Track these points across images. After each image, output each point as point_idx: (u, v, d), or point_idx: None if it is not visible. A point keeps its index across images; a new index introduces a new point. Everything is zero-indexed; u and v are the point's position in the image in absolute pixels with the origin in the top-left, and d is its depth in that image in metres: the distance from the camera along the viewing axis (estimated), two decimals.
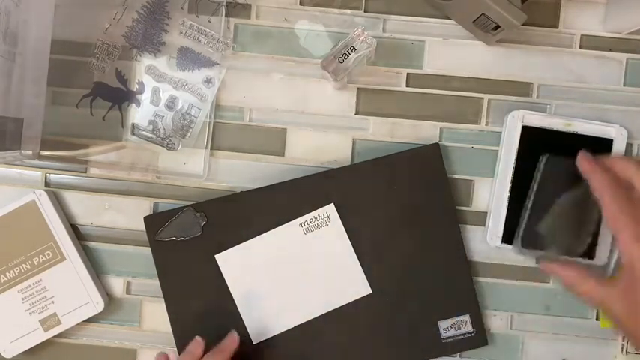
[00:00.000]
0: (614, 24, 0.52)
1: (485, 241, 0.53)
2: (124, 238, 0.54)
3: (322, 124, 0.54)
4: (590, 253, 0.51)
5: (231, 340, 0.50)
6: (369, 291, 0.52)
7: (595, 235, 0.51)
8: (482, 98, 0.54)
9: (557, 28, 0.53)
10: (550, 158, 0.50)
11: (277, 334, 0.52)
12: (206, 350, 0.49)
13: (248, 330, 0.52)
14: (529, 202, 0.50)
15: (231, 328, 0.51)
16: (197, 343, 0.49)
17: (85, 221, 0.54)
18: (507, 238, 0.52)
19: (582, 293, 0.46)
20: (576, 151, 0.49)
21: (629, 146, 0.53)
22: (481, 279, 0.53)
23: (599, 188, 0.45)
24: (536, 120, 0.52)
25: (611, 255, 0.52)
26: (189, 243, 0.52)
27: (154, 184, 0.54)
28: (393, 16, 0.54)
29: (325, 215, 0.52)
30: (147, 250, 0.53)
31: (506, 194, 0.52)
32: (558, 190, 0.50)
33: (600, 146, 0.52)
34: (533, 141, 0.52)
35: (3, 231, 0.52)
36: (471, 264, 0.53)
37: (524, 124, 0.52)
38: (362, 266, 0.52)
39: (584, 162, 0.47)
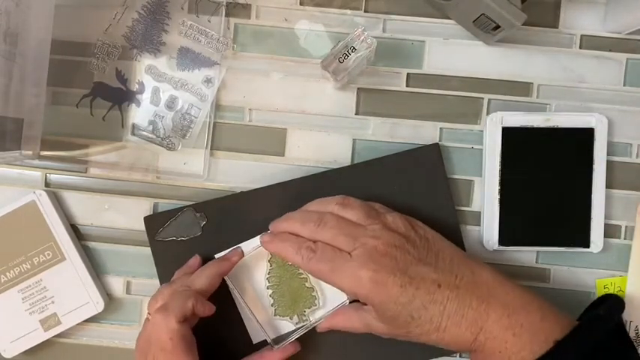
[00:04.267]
0: (614, 24, 0.52)
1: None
2: (124, 238, 0.54)
3: (322, 124, 0.54)
4: (584, 241, 0.51)
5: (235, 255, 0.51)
6: None
7: (587, 223, 0.51)
8: (483, 98, 0.54)
9: (557, 28, 0.53)
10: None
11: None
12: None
13: (248, 330, 0.52)
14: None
15: (231, 329, 0.51)
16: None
17: (85, 221, 0.54)
18: (503, 240, 0.52)
19: (349, 329, 0.47)
20: (560, 145, 0.51)
21: (628, 146, 0.53)
22: None
23: (285, 252, 0.46)
24: (516, 120, 0.52)
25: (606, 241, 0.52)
26: (189, 243, 0.52)
27: (154, 184, 0.54)
28: (393, 16, 0.54)
29: None
30: (147, 250, 0.53)
31: (497, 198, 0.52)
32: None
33: (582, 137, 0.51)
34: (516, 141, 0.51)
35: (3, 231, 0.52)
36: None
37: (504, 125, 0.52)
38: None
39: (264, 242, 0.48)
